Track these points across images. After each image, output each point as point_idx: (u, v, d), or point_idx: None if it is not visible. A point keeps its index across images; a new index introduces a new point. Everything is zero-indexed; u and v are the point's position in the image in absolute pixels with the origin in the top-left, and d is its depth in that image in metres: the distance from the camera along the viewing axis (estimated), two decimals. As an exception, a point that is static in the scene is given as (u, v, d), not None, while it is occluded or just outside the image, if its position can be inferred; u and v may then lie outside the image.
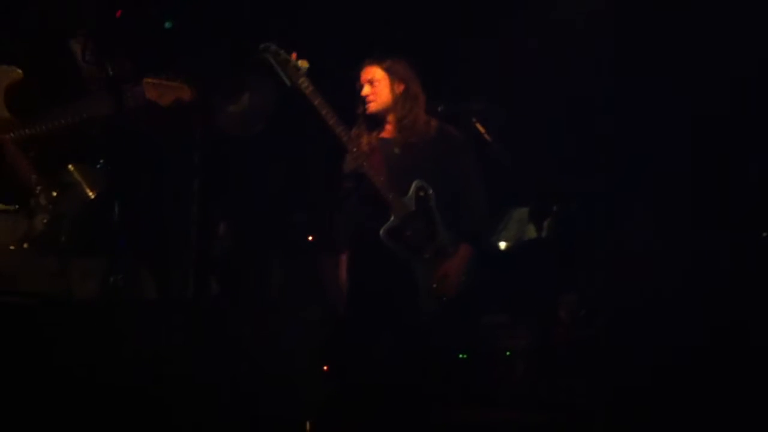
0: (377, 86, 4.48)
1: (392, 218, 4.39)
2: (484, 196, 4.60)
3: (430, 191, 4.45)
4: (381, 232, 4.37)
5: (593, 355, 5.55)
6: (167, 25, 4.80)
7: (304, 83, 4.34)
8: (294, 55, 4.37)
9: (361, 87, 4.51)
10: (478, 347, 5.53)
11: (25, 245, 4.54)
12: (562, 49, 6.17)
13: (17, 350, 4.20)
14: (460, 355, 5.51)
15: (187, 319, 4.75)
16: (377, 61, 4.52)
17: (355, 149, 4.37)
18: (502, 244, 6.00)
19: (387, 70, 4.51)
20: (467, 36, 6.16)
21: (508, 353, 5.49)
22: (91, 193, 4.82)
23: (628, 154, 6.12)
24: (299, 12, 5.81)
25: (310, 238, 5.46)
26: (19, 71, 4.31)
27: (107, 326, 4.55)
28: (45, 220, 4.61)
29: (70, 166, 4.80)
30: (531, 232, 5.89)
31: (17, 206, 4.55)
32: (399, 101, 4.50)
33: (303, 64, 4.37)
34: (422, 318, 4.41)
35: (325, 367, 5.02)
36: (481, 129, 5.02)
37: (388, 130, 4.56)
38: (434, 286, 4.40)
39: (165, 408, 4.31)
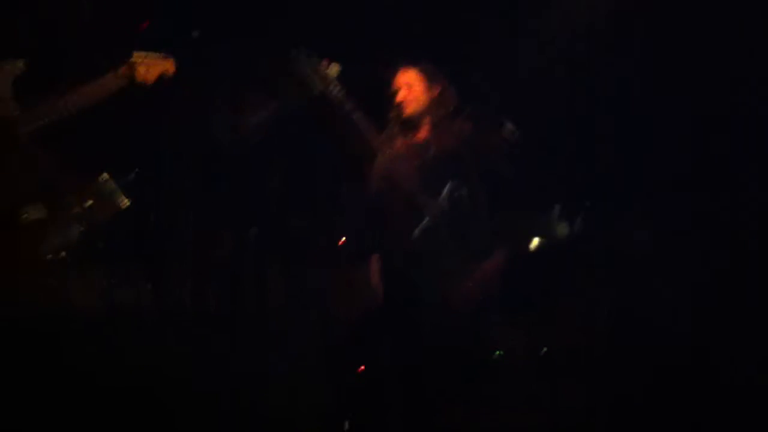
0: (413, 90, 4.47)
1: (426, 219, 4.37)
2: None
3: (465, 192, 4.43)
4: (416, 232, 4.34)
5: (592, 356, 5.56)
6: (194, 34, 4.78)
7: (335, 89, 4.30)
8: (326, 60, 4.34)
9: (395, 90, 4.48)
10: (476, 347, 5.52)
11: (63, 254, 4.49)
12: (562, 48, 6.14)
13: (20, 361, 4.20)
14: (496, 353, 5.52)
15: (186, 326, 4.78)
16: (413, 63, 4.50)
17: (387, 153, 4.35)
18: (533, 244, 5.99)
19: (422, 74, 4.49)
20: (470, 38, 6.14)
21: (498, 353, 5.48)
22: (126, 202, 4.77)
23: (627, 154, 6.09)
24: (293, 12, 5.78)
25: (342, 240, 5.42)
26: (22, 64, 4.25)
27: (108, 335, 4.59)
28: (81, 230, 4.59)
29: (105, 175, 4.77)
30: (563, 230, 5.88)
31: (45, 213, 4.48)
32: (435, 104, 4.49)
33: (334, 69, 4.34)
34: (450, 320, 4.38)
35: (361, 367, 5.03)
36: (511, 129, 5.00)
37: (423, 134, 4.55)
38: (470, 285, 4.37)
39: (165, 416, 4.33)
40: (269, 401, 4.78)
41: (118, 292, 4.96)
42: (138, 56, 4.16)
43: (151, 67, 4.19)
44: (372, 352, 4.51)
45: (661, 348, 5.38)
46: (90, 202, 4.40)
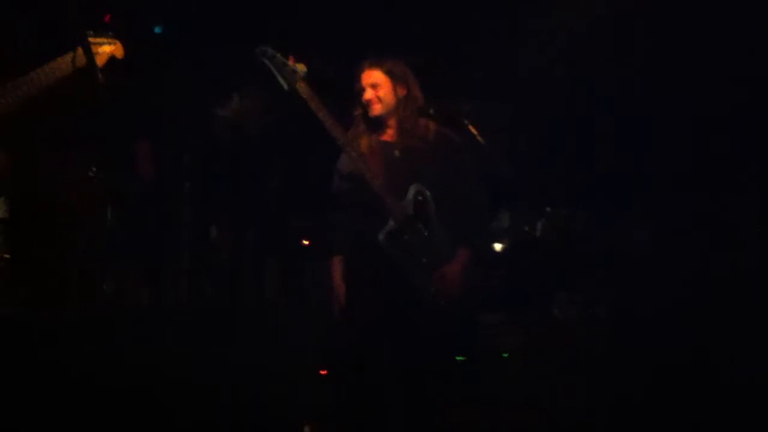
0: (380, 90, 4.44)
1: (390, 222, 4.38)
2: (484, 199, 4.59)
3: (428, 195, 4.43)
4: (380, 236, 4.35)
5: (589, 354, 5.56)
6: (157, 30, 4.81)
7: (301, 87, 4.32)
8: (291, 59, 4.35)
9: (362, 90, 4.49)
10: (475, 347, 5.53)
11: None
12: (560, 49, 6.15)
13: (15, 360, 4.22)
14: (458, 358, 5.52)
15: (183, 323, 4.79)
16: (378, 63, 4.48)
17: (353, 151, 4.36)
18: (497, 246, 6.00)
19: (388, 73, 4.47)
20: (463, 36, 6.15)
21: (505, 354, 5.48)
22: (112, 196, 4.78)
23: (626, 156, 6.10)
24: (291, 13, 5.80)
25: (305, 242, 5.45)
26: None
27: (103, 332, 4.60)
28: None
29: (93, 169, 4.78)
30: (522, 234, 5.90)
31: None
32: (401, 104, 4.46)
33: (301, 67, 4.35)
34: (421, 322, 4.39)
35: (322, 371, 5.04)
36: (474, 130, 5.02)
37: (389, 134, 4.53)
38: (433, 290, 4.39)
39: (162, 411, 4.34)
40: (267, 397, 4.78)
41: (116, 289, 4.98)
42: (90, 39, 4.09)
43: (100, 50, 4.16)
44: (357, 351, 4.49)
45: (661, 347, 5.36)
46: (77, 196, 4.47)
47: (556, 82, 6.15)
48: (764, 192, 5.75)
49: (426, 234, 4.39)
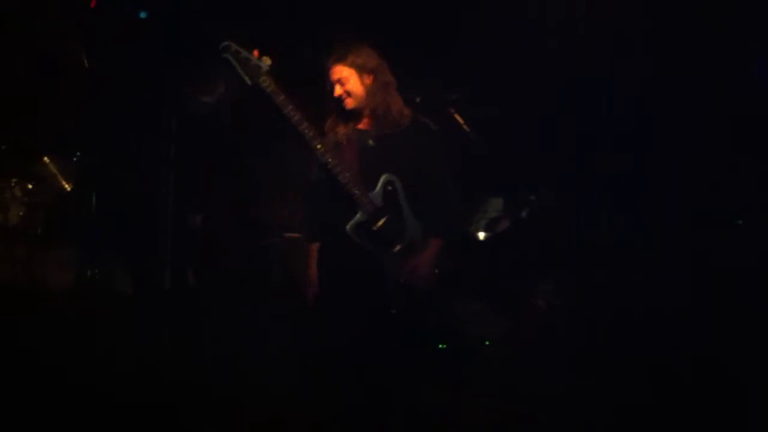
0: (347, 85, 4.43)
1: (359, 214, 4.38)
2: (456, 188, 4.59)
3: (398, 185, 4.43)
4: (347, 227, 4.36)
5: (569, 344, 5.57)
6: (142, 15, 4.76)
7: (265, 81, 4.29)
8: (256, 53, 4.31)
9: (332, 86, 4.48)
10: (455, 336, 5.53)
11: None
12: (549, 39, 6.13)
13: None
14: (440, 345, 5.51)
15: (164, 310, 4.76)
16: (342, 58, 4.45)
17: (319, 146, 4.35)
18: (480, 234, 5.99)
19: (353, 65, 4.45)
20: (450, 26, 6.13)
21: (486, 342, 5.48)
22: (67, 186, 4.80)
23: (615, 147, 6.10)
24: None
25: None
26: None
27: (83, 319, 4.56)
28: (21, 213, 4.60)
29: (45, 159, 4.78)
30: (506, 221, 5.89)
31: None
32: (371, 92, 4.46)
33: (266, 61, 4.30)
34: (392, 312, 4.40)
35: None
36: (459, 119, 5.02)
37: (365, 122, 4.51)
38: (402, 280, 4.40)
39: (141, 398, 4.31)
40: (246, 383, 4.76)
41: (95, 277, 4.93)
42: None
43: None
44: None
45: (659, 347, 5.37)
46: (30, 185, 4.43)
47: (543, 73, 6.13)
48: (764, 191, 5.75)
49: (396, 224, 4.40)
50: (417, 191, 4.45)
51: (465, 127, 4.99)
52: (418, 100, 4.95)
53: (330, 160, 4.29)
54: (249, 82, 4.18)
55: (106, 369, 4.40)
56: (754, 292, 5.47)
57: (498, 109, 5.71)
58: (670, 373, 5.09)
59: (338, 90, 4.40)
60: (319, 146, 4.28)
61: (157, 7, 4.82)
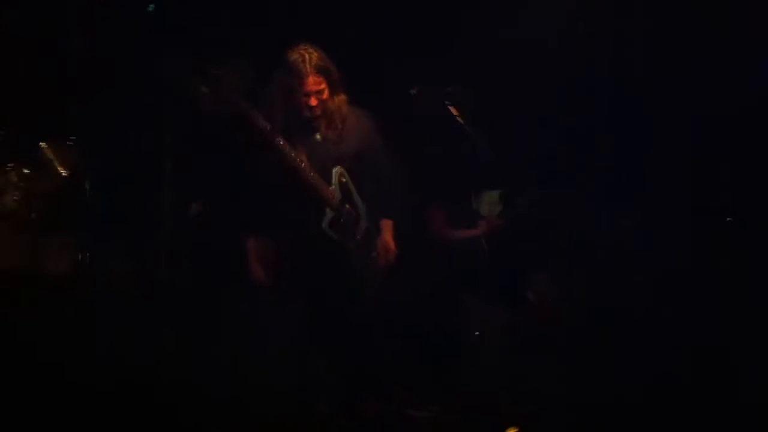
0: (324, 95, 4.43)
1: (328, 211, 4.43)
2: (399, 172, 4.68)
3: (347, 175, 4.50)
4: (323, 226, 4.40)
5: (563, 338, 5.57)
6: (150, 7, 4.80)
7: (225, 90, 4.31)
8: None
9: (306, 95, 4.39)
10: (450, 329, 5.54)
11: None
12: (544, 35, 6.13)
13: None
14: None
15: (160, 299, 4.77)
16: (317, 67, 4.41)
17: (282, 143, 4.34)
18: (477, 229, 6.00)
19: (322, 72, 4.40)
20: (446, 21, 6.13)
21: (476, 333, 5.49)
22: (63, 171, 4.82)
23: (609, 142, 6.11)
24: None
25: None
26: None
27: (79, 307, 4.58)
28: (16, 197, 4.63)
29: (42, 144, 4.80)
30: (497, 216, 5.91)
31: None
32: (333, 97, 4.49)
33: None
34: (366, 297, 4.49)
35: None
36: (455, 111, 5.04)
37: (317, 123, 4.54)
38: (371, 264, 4.52)
39: (137, 391, 4.32)
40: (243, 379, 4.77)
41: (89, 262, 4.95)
42: None
43: None
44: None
45: (659, 346, 5.37)
46: (27, 171, 4.45)
47: (537, 67, 6.13)
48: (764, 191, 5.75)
49: (353, 213, 4.53)
50: (362, 179, 4.55)
51: (460, 119, 5.01)
52: (413, 92, 4.99)
53: (294, 157, 4.31)
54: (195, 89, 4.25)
55: (101, 360, 4.41)
56: (754, 292, 5.51)
57: (496, 108, 5.72)
58: (669, 373, 5.11)
59: (314, 101, 4.38)
60: (281, 143, 4.30)
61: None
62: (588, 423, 4.65)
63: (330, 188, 4.45)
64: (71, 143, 4.89)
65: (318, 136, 4.48)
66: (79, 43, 4.95)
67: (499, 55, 6.01)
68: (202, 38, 5.18)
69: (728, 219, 5.75)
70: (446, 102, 5.03)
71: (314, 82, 4.35)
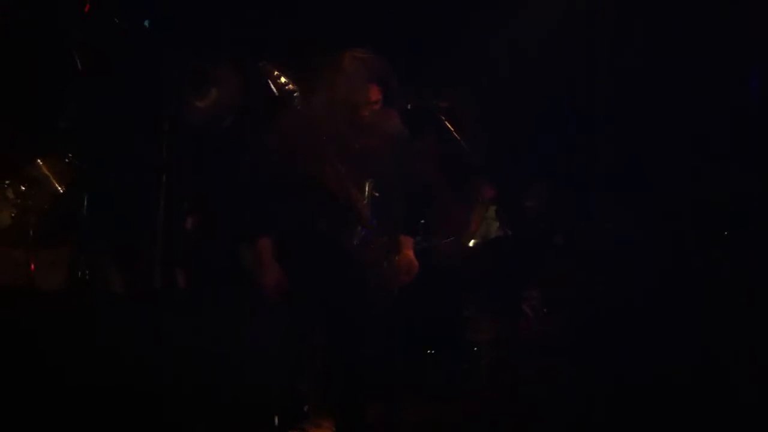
0: (377, 105, 4.35)
1: (359, 228, 4.35)
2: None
3: (376, 189, 4.36)
4: (355, 242, 4.30)
5: (556, 349, 5.60)
6: (146, 23, 4.81)
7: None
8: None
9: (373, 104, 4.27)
10: (445, 341, 5.57)
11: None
12: (549, 39, 6.15)
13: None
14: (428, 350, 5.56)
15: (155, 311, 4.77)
16: (377, 81, 4.29)
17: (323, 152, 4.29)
18: (470, 241, 6.03)
19: (380, 83, 4.36)
20: (441, 31, 6.15)
21: (474, 348, 5.52)
22: (59, 187, 4.83)
23: (601, 153, 6.13)
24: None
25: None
26: None
27: (74, 319, 4.58)
28: (13, 214, 4.65)
29: (38, 160, 4.81)
30: (496, 228, 5.92)
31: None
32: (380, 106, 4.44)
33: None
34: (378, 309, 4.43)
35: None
36: (450, 127, 5.06)
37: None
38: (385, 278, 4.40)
39: (134, 396, 4.34)
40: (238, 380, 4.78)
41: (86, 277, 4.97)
42: None
43: None
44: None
45: (658, 346, 5.40)
46: (23, 187, 4.46)
47: (532, 75, 6.15)
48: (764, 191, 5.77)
49: (379, 230, 4.35)
50: (391, 195, 4.40)
51: (455, 134, 5.04)
52: (408, 107, 4.99)
53: (334, 168, 4.23)
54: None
55: (98, 373, 4.43)
56: (754, 292, 5.53)
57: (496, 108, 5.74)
58: (669, 373, 5.13)
59: (366, 111, 4.26)
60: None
61: (153, 11, 4.86)
62: (588, 423, 4.68)
63: (364, 202, 4.35)
64: (67, 159, 4.90)
65: (357, 146, 4.33)
66: (74, 60, 4.97)
67: (499, 55, 6.05)
68: (201, 39, 5.21)
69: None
70: (441, 116, 5.06)
71: (373, 93, 4.24)
